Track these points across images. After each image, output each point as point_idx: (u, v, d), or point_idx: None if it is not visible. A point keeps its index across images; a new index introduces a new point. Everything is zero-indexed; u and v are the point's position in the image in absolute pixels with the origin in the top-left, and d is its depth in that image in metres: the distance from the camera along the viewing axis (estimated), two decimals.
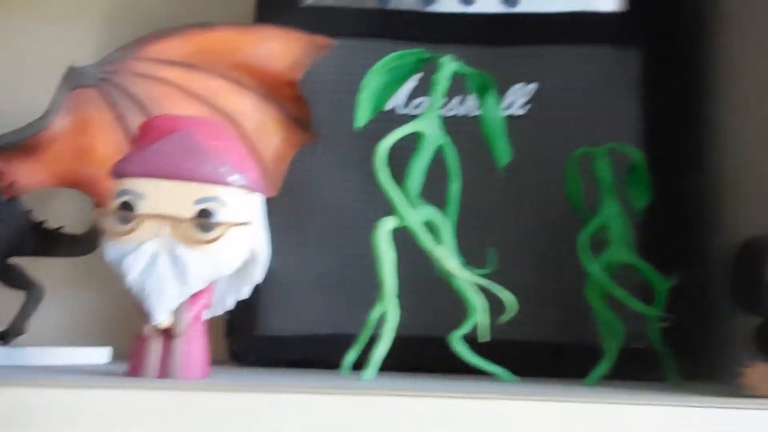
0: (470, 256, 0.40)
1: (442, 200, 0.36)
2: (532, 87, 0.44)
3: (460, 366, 0.34)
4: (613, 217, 0.36)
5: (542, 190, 0.42)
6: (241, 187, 0.26)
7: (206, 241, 0.25)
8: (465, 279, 0.32)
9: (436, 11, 0.45)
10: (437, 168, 0.37)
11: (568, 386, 0.33)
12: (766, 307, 0.27)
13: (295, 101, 0.40)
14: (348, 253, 0.42)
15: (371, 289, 0.35)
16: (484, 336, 0.32)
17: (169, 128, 0.26)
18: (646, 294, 0.36)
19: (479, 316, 0.31)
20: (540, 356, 0.40)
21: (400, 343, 0.39)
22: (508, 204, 0.42)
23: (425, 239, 0.32)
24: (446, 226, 0.34)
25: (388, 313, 0.31)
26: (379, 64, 0.36)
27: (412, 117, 0.43)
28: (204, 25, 0.36)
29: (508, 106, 0.44)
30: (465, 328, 0.33)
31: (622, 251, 0.36)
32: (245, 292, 0.29)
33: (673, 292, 0.36)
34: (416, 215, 0.34)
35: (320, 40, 0.38)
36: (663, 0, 0.44)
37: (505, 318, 0.32)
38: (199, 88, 0.37)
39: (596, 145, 0.40)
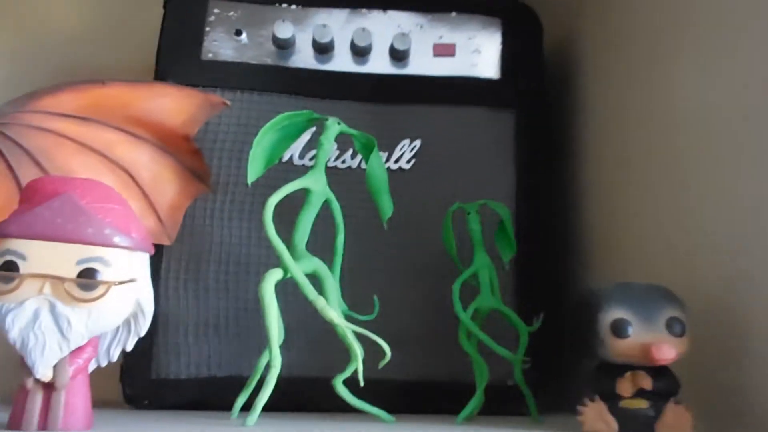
0: (358, 301, 0.43)
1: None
2: (417, 143, 0.48)
3: (347, 405, 0.37)
4: (483, 268, 0.40)
5: (424, 240, 0.46)
6: (125, 247, 0.28)
7: (88, 299, 0.27)
8: (343, 327, 0.34)
9: (331, 69, 0.49)
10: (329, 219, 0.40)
11: (441, 423, 0.36)
12: (597, 354, 0.31)
13: (191, 153, 0.41)
14: (243, 298, 0.44)
15: (265, 334, 0.37)
16: (360, 381, 0.34)
17: (53, 190, 0.28)
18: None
19: (355, 363, 0.34)
20: (420, 395, 0.43)
21: (292, 383, 0.42)
22: (393, 253, 0.46)
23: (308, 290, 0.35)
24: (329, 277, 0.37)
25: (272, 360, 0.34)
26: (271, 123, 0.39)
27: (308, 168, 0.46)
28: (97, 81, 0.38)
29: (397, 160, 0.48)
30: (346, 372, 0.36)
31: (489, 299, 0.40)
32: (130, 344, 0.30)
33: (539, 336, 0.41)
34: (301, 267, 0.36)
35: (214, 98, 0.40)
36: (533, 68, 0.50)
37: (382, 364, 0.35)
38: (94, 140, 0.38)
39: (474, 199, 0.44)
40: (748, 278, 0.33)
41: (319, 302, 0.35)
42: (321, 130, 0.40)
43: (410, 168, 0.48)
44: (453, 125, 0.48)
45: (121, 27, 0.58)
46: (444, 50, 0.49)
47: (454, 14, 0.50)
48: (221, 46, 0.48)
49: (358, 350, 0.34)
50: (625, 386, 0.30)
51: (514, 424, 0.37)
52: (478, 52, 0.50)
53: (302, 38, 0.49)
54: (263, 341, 0.41)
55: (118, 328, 0.30)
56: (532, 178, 0.48)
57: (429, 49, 0.49)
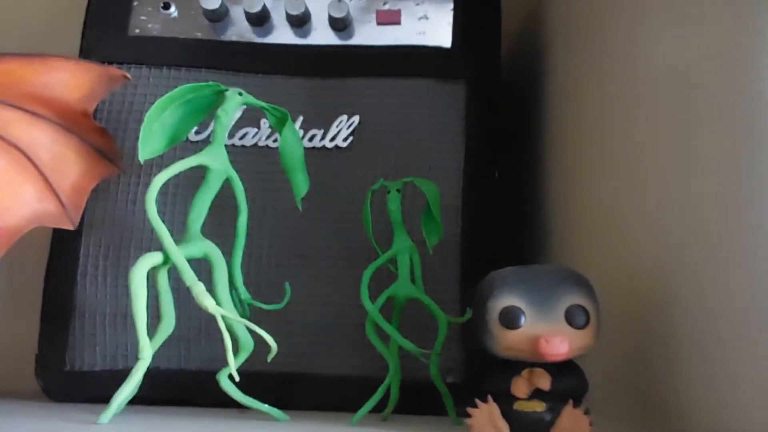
0: (271, 288, 0.39)
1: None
2: (355, 119, 0.43)
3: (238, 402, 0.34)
4: (402, 252, 0.36)
5: (356, 223, 0.41)
6: None
7: None
8: (220, 316, 0.31)
9: (267, 42, 0.45)
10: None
11: (339, 422, 0.32)
12: (487, 347, 0.26)
13: (96, 132, 0.39)
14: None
15: (181, 323, 0.34)
16: (236, 375, 0.31)
17: None
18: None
19: (230, 356, 0.30)
20: (324, 390, 0.39)
21: (178, 376, 0.39)
22: (319, 236, 0.42)
23: (187, 275, 0.32)
24: (220, 261, 0.34)
25: (140, 352, 0.30)
26: (169, 96, 0.36)
27: (238, 147, 0.43)
28: None
29: (333, 138, 0.44)
30: (230, 367, 0.32)
31: (407, 286, 0.35)
32: None
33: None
34: (189, 250, 0.33)
35: (114, 71, 0.38)
36: (489, 35, 0.45)
37: (270, 358, 0.31)
38: None
39: (418, 176, 0.39)
40: (684, 262, 0.27)
41: (196, 288, 0.31)
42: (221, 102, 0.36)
43: (347, 146, 0.43)
44: (396, 99, 0.44)
45: (53, 7, 0.56)
46: (388, 17, 0.45)
47: None
48: (149, 21, 0.45)
49: (230, 342, 0.30)
50: (520, 386, 0.26)
51: (422, 425, 0.32)
52: (426, 19, 0.45)
53: (236, 10, 0.46)
54: (181, 332, 0.38)
55: None
56: (482, 154, 0.43)
57: (373, 17, 0.45)
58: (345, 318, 0.40)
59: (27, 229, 0.36)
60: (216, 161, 0.35)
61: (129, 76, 0.38)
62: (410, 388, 0.36)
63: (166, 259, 0.33)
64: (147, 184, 0.43)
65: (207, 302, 0.31)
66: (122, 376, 0.40)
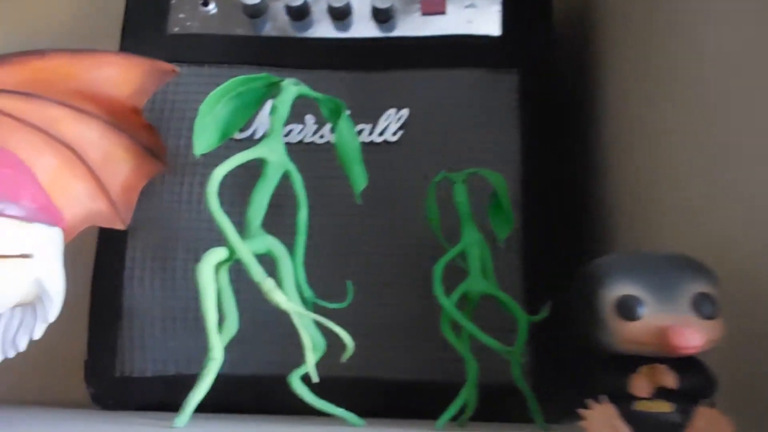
0: (330, 287, 0.38)
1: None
2: (404, 113, 0.42)
3: (309, 407, 0.32)
4: (471, 246, 0.35)
5: (412, 219, 0.40)
6: (13, 216, 0.24)
7: None
8: (295, 313, 0.29)
9: (309, 36, 0.44)
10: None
11: (421, 429, 0.31)
12: (600, 342, 0.24)
13: (144, 129, 0.38)
14: None
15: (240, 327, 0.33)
16: (314, 376, 0.29)
17: None
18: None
19: (309, 355, 0.29)
20: (395, 395, 0.37)
21: (244, 381, 0.38)
22: (375, 234, 0.40)
23: (255, 271, 0.30)
24: (285, 257, 0.32)
25: (211, 352, 0.29)
26: (221, 89, 0.35)
27: (290, 144, 0.42)
28: (36, 52, 0.34)
29: (382, 132, 0.42)
30: (305, 367, 0.31)
31: (480, 282, 0.34)
32: (38, 332, 0.27)
33: (546, 327, 0.34)
34: (252, 246, 0.32)
35: (164, 65, 0.37)
36: (541, 21, 0.44)
37: (345, 357, 0.30)
38: (36, 118, 0.35)
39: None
40: None
41: (267, 284, 0.30)
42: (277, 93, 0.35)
43: (397, 140, 0.42)
44: (446, 90, 0.43)
45: (96, 12, 0.55)
46: (433, 7, 0.44)
47: None
48: (188, 18, 0.44)
49: (309, 340, 0.29)
50: (640, 384, 0.23)
51: None
52: (474, 7, 0.44)
53: (276, 5, 0.45)
54: (247, 334, 0.37)
55: (20, 313, 0.26)
56: (540, 144, 0.41)
57: (417, 8, 0.44)
58: (408, 317, 0.38)
59: (80, 229, 0.35)
60: (274, 153, 0.34)
61: (178, 69, 0.37)
62: (487, 392, 0.34)
63: (230, 255, 0.31)
64: (192, 184, 0.42)
65: (279, 298, 0.29)
66: (173, 381, 0.40)
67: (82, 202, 0.35)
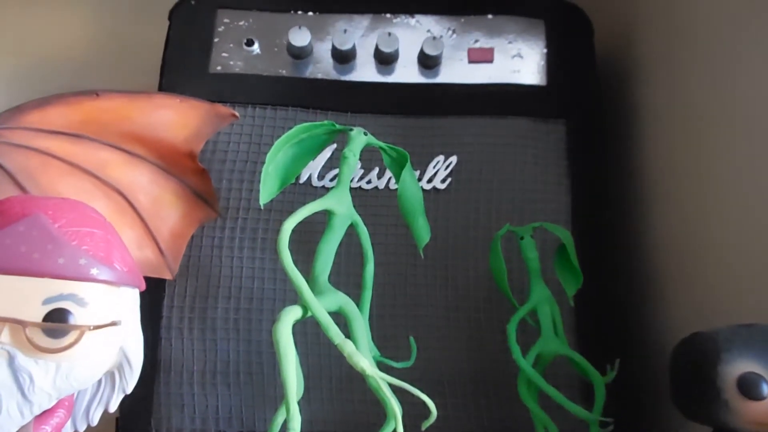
0: (389, 343, 0.37)
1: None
2: (453, 159, 0.42)
3: None
4: (542, 303, 0.34)
5: (464, 271, 0.39)
6: (106, 281, 0.22)
7: (56, 349, 0.21)
8: (377, 379, 0.28)
9: (352, 80, 0.43)
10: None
11: None
12: (719, 420, 0.24)
13: (196, 174, 0.36)
14: (256, 340, 0.38)
15: (280, 382, 0.31)
16: None
17: (20, 212, 0.22)
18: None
19: (392, 422, 0.27)
20: None
21: None
22: (430, 287, 0.39)
23: (333, 332, 0.29)
24: (357, 317, 0.31)
25: (290, 421, 0.27)
26: (286, 135, 0.34)
27: (328, 190, 0.41)
28: (90, 92, 0.33)
29: (430, 179, 0.42)
30: None
31: (554, 341, 0.33)
32: (114, 404, 0.24)
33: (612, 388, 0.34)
34: (323, 303, 0.30)
35: (222, 109, 0.35)
36: (584, 72, 0.44)
37: (426, 424, 0.28)
38: (85, 160, 0.33)
39: (521, 222, 0.38)
40: None
41: (347, 347, 0.28)
42: (344, 142, 0.34)
43: (446, 188, 0.42)
44: (493, 138, 0.42)
45: (126, 45, 0.54)
46: (480, 55, 0.44)
47: (490, 17, 0.45)
48: (231, 57, 0.43)
49: (396, 407, 0.28)
50: None
51: None
52: (520, 57, 0.44)
53: (320, 47, 0.44)
54: (280, 391, 0.35)
55: (99, 383, 0.24)
56: (592, 195, 0.41)
57: (463, 55, 0.44)
58: (472, 373, 0.37)
59: None
60: (341, 205, 0.33)
61: (237, 114, 0.36)
62: None
63: (304, 314, 0.30)
64: (233, 228, 0.40)
65: (363, 364, 0.28)
66: None
67: (131, 251, 0.33)
